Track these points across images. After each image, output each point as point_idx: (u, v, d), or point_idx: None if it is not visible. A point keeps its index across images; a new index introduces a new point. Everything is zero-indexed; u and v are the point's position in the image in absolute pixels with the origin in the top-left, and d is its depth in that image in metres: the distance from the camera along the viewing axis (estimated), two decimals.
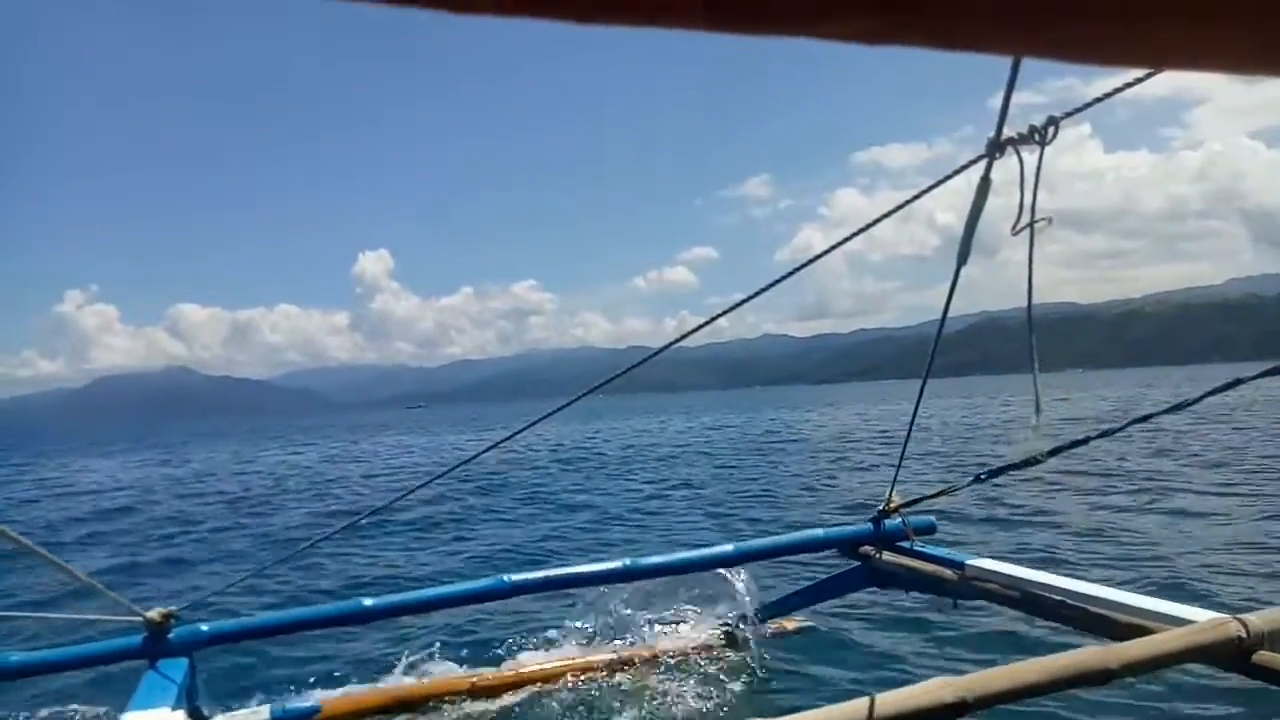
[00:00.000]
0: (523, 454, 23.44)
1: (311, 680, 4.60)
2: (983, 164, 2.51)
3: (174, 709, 2.76)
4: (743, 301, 2.93)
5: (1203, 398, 2.79)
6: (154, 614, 3.24)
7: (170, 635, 3.27)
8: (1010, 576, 3.48)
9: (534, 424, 3.29)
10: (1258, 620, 2.43)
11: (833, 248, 2.88)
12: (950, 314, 3.29)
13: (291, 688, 4.52)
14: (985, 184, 2.57)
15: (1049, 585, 3.34)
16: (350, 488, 18.53)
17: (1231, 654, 2.41)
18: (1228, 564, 6.65)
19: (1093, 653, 2.26)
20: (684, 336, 3.06)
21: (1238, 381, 2.68)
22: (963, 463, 15.39)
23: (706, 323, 3.06)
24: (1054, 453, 3.48)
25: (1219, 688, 3.86)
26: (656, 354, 3.16)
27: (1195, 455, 14.50)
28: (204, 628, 3.39)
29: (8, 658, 3.15)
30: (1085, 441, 3.37)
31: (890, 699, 1.98)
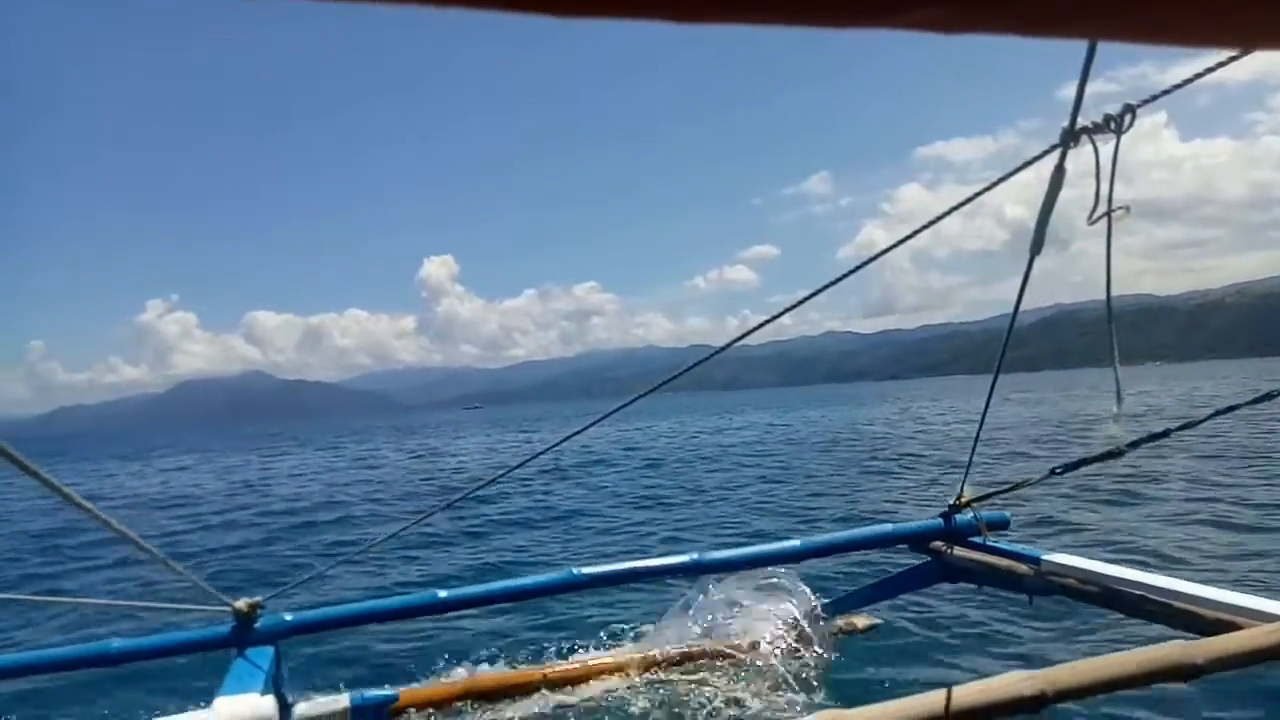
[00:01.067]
0: (589, 452, 23.66)
1: (388, 669, 4.74)
2: (1056, 154, 2.46)
3: (262, 694, 2.87)
4: (806, 299, 2.91)
5: None
6: (241, 604, 3.38)
7: (257, 624, 3.40)
8: (1089, 571, 3.39)
9: (598, 421, 3.33)
10: None
11: (897, 244, 2.84)
12: (1022, 307, 3.23)
13: (370, 674, 4.68)
14: (1059, 174, 2.51)
15: (1130, 580, 3.25)
16: (420, 485, 18.97)
17: None
18: None
19: (1180, 647, 2.20)
20: (747, 334, 3.06)
21: None
22: (1036, 458, 15.01)
23: (769, 320, 3.05)
24: (1135, 445, 3.38)
25: None
26: (719, 352, 3.17)
27: None
28: (288, 617, 3.52)
29: (109, 645, 3.32)
30: (1166, 434, 3.28)
31: (967, 691, 1.96)
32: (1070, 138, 2.41)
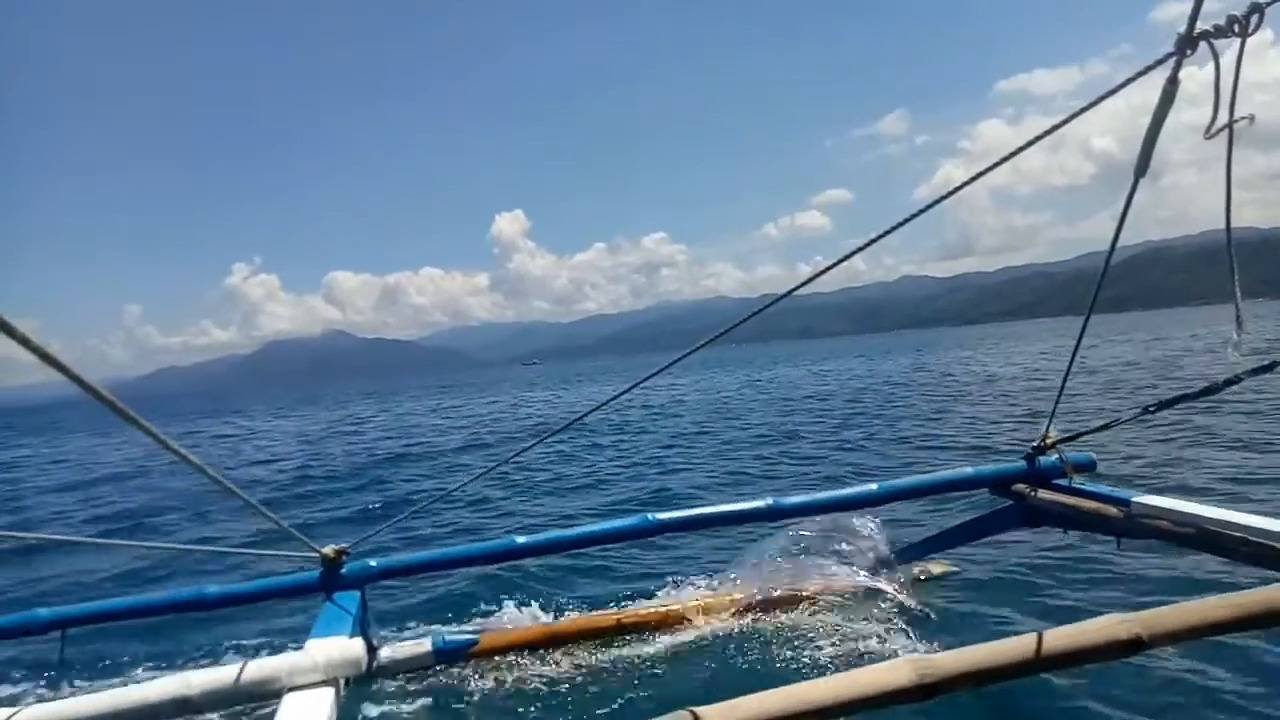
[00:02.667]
0: (665, 401, 23.84)
1: (469, 613, 4.88)
2: (1169, 65, 2.25)
3: (350, 636, 2.98)
4: (871, 241, 2.78)
5: None
6: (329, 550, 3.50)
7: (343, 570, 3.53)
8: (1183, 513, 3.25)
9: (661, 371, 3.31)
10: None
11: (971, 180, 2.67)
12: (1107, 246, 3.04)
13: (451, 617, 4.82)
14: (1173, 86, 2.28)
15: (1228, 521, 3.09)
16: (494, 436, 19.44)
17: None
18: None
19: None
20: (811, 279, 2.99)
21: None
22: (1123, 399, 14.48)
23: (834, 264, 2.94)
24: (1232, 380, 3.21)
25: None
26: (781, 299, 3.07)
27: None
28: (373, 563, 3.63)
29: (206, 590, 3.49)
30: (1272, 367, 3.09)
31: (1060, 634, 1.89)
32: (1188, 44, 2.17)
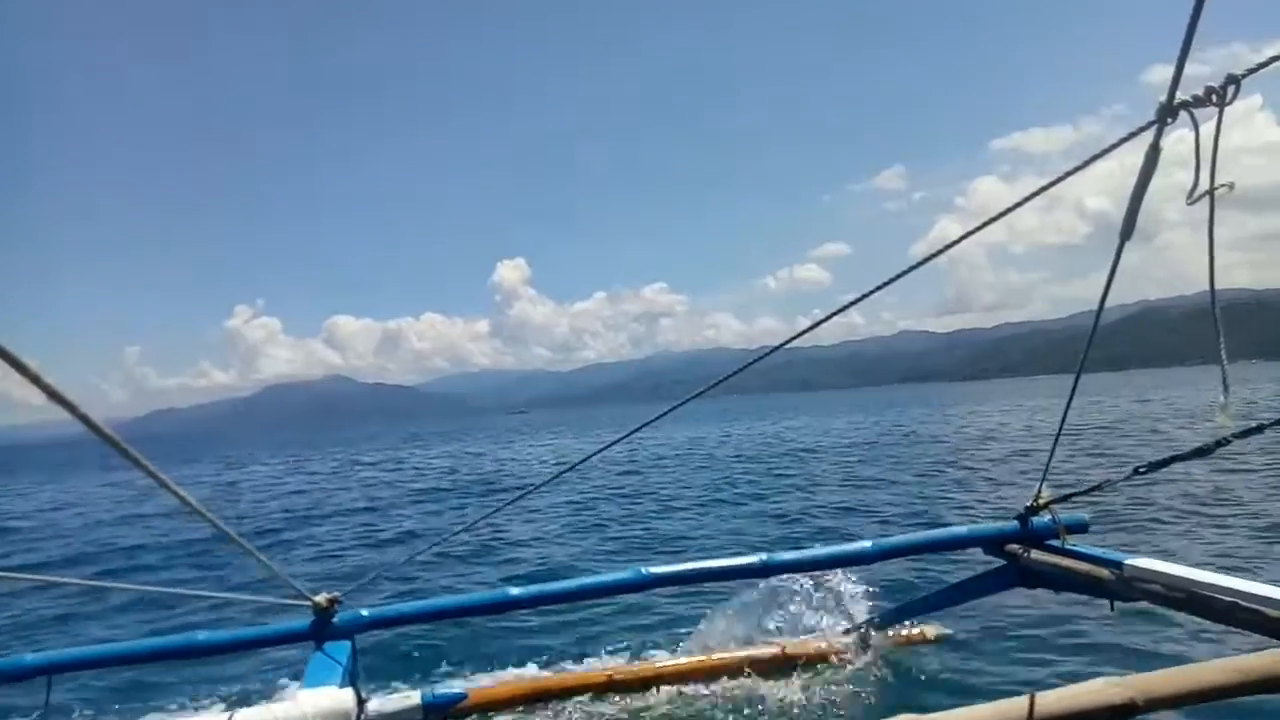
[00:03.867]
0: (655, 454, 23.74)
1: (459, 665, 4.83)
2: (1150, 133, 2.32)
3: (340, 687, 2.95)
4: (870, 293, 2.85)
5: None
6: (321, 599, 3.48)
7: (334, 619, 3.50)
8: (1175, 576, 3.24)
9: (651, 423, 3.33)
10: None
11: (966, 235, 2.75)
12: (1106, 305, 3.09)
13: (442, 670, 4.77)
14: (1155, 152, 2.36)
15: (1219, 585, 3.09)
16: (484, 484, 19.35)
17: None
18: None
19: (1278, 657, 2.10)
20: (806, 330, 3.02)
21: None
22: (1116, 460, 14.47)
23: (829, 316, 2.98)
24: (1223, 442, 3.22)
25: None
26: (775, 350, 3.13)
27: None
28: (364, 612, 3.61)
29: (195, 637, 3.46)
30: (1260, 429, 3.11)
31: (1052, 697, 1.89)
32: (1168, 113, 2.25)
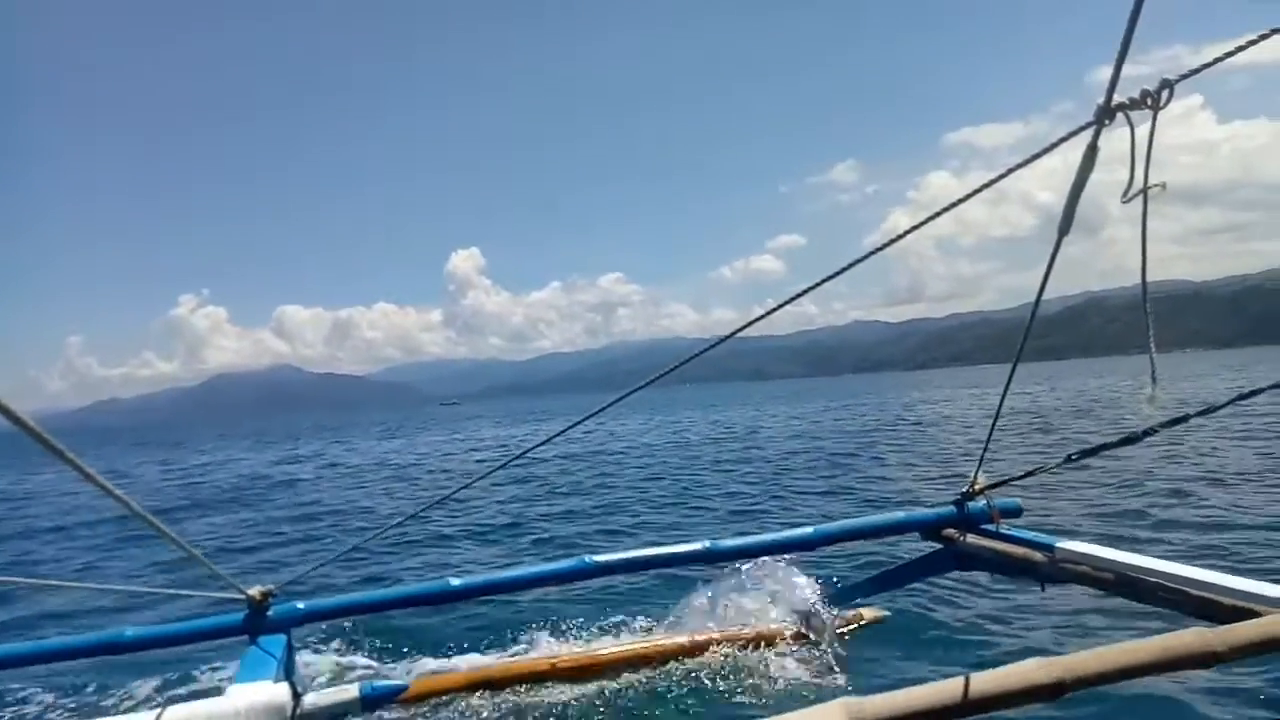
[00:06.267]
0: (607, 444, 23.76)
1: (401, 656, 4.78)
2: (1089, 133, 2.39)
3: (275, 682, 2.89)
4: (818, 284, 2.85)
5: None
6: (255, 591, 3.40)
7: (269, 612, 3.42)
8: (1103, 559, 3.33)
9: (602, 410, 3.31)
10: None
11: (914, 228, 2.77)
12: (1049, 295, 3.14)
13: (382, 663, 4.71)
14: (1092, 152, 2.43)
15: (1145, 568, 3.18)
16: (428, 476, 19.18)
17: None
18: None
19: (1199, 634, 2.16)
20: (754, 321, 3.03)
21: None
22: (1054, 445, 14.86)
23: (778, 307, 3.00)
24: (1149, 432, 3.32)
25: None
26: (724, 340, 3.13)
27: None
28: (300, 605, 3.53)
29: (123, 633, 3.36)
30: (1185, 419, 3.21)
31: (985, 679, 1.93)
32: (1105, 114, 2.32)
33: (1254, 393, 3.05)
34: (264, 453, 34.73)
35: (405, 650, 4.86)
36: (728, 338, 3.08)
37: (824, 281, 2.83)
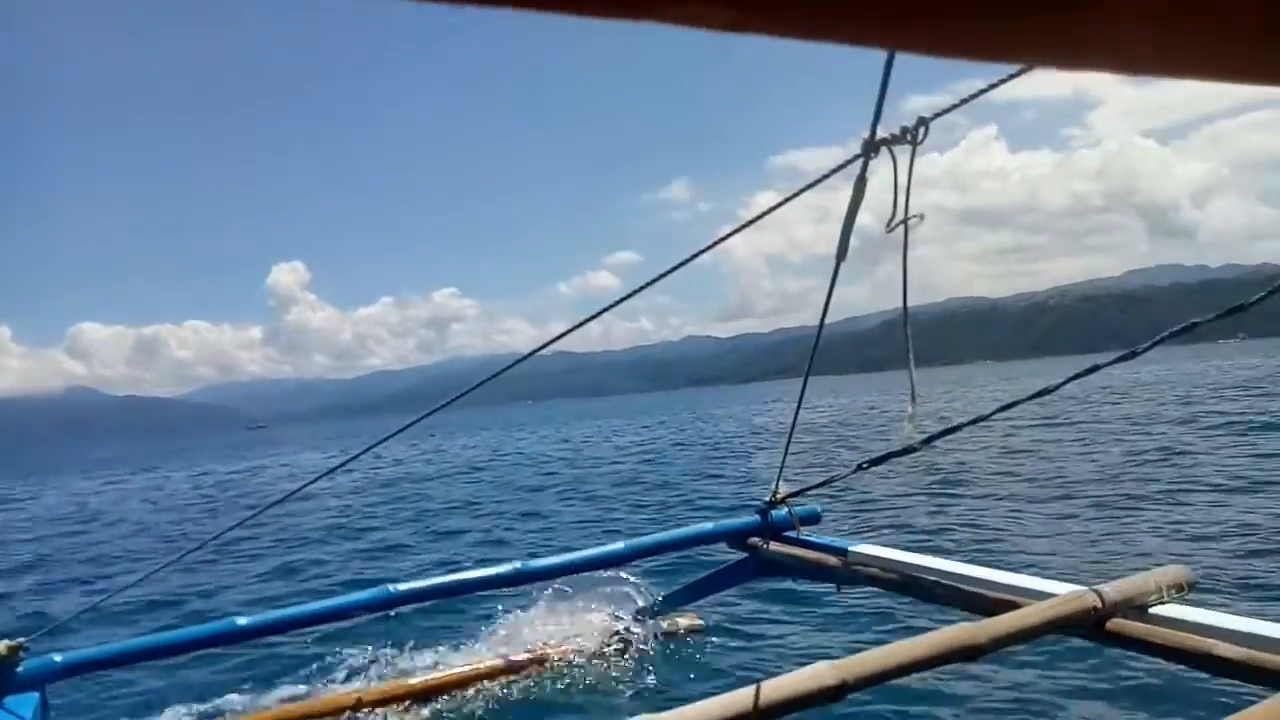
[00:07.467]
0: (432, 464, 23.10)
1: (179, 705, 4.37)
2: (859, 164, 2.56)
3: None
4: (627, 297, 2.95)
5: (1063, 384, 2.89)
6: (0, 646, 3.03)
7: (19, 668, 3.07)
8: (889, 560, 3.55)
9: (393, 436, 3.22)
10: (1111, 590, 2.53)
11: (714, 244, 2.94)
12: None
13: (154, 714, 4.30)
14: (861, 183, 2.63)
15: (925, 566, 3.41)
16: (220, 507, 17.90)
17: (1088, 623, 2.50)
18: (1091, 538, 7.01)
19: (963, 629, 2.32)
20: (550, 342, 3.08)
21: (1095, 368, 2.79)
22: (859, 454, 15.72)
23: (576, 327, 3.07)
24: (929, 440, 3.57)
25: (1080, 655, 4.03)
26: (530, 355, 3.13)
27: (1079, 438, 15.16)
28: (57, 658, 3.18)
29: None
30: (958, 428, 3.46)
31: (774, 685, 2.00)
32: (871, 148, 2.52)
33: (1015, 403, 3.33)
34: (37, 488, 31.15)
35: (186, 698, 4.45)
36: (530, 355, 3.11)
37: (629, 296, 2.91)
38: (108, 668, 3.49)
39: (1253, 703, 1.89)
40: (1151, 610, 2.50)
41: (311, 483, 3.35)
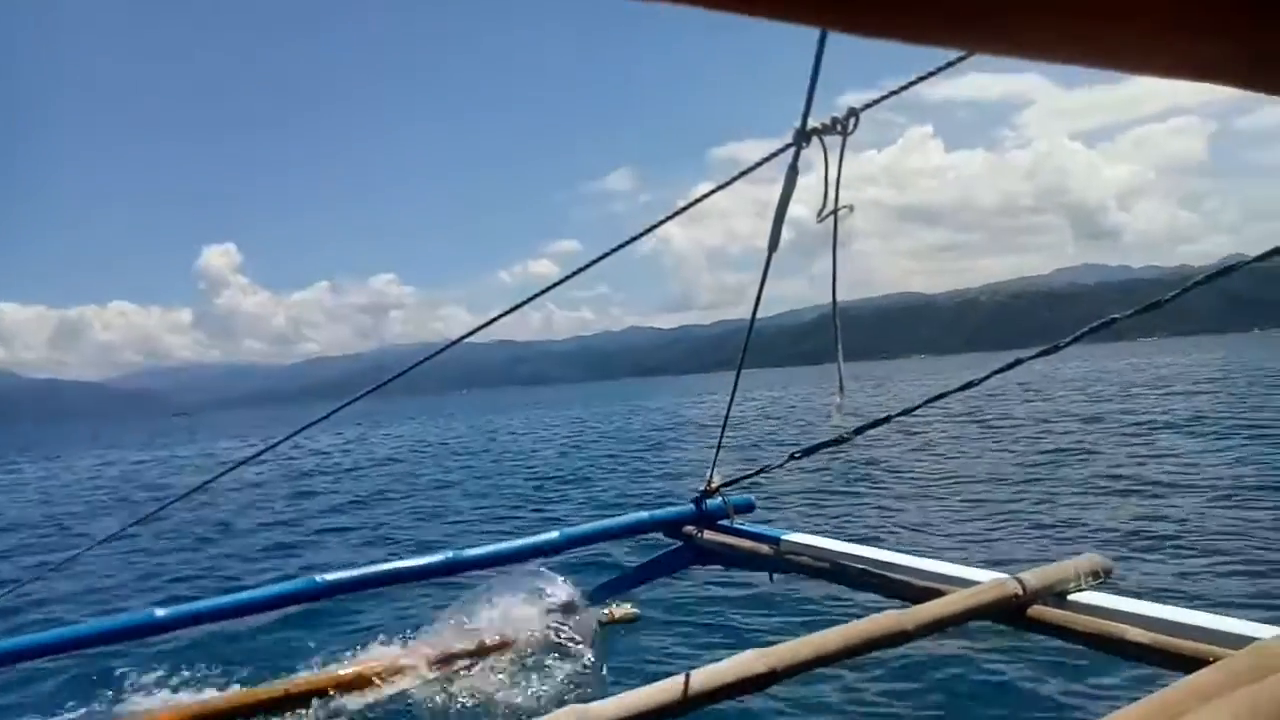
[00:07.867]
0: (349, 455, 22.70)
1: (94, 699, 4.21)
2: (790, 153, 2.56)
3: None
4: (555, 285, 2.93)
5: (987, 377, 2.96)
6: None
7: None
8: (821, 549, 3.59)
9: (298, 432, 3.15)
10: (1032, 578, 2.60)
11: (650, 229, 2.93)
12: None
13: (70, 706, 4.13)
14: (793, 173, 2.62)
15: (855, 555, 3.46)
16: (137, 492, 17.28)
17: (1010, 610, 2.56)
18: (1015, 525, 7.24)
19: (888, 617, 2.36)
20: (484, 325, 3.05)
21: (1018, 362, 2.86)
22: (793, 444, 15.90)
23: (511, 310, 3.05)
24: (859, 431, 3.62)
25: (1002, 639, 4.15)
26: (456, 342, 3.09)
27: (1004, 431, 15.64)
28: None
29: None
30: (887, 420, 3.52)
31: (703, 674, 2.01)
32: (802, 138, 2.51)
33: (942, 395, 3.39)
34: None
35: (102, 692, 4.28)
36: (456, 342, 3.09)
37: (560, 283, 2.91)
38: (11, 663, 3.32)
39: (1163, 686, 1.96)
40: (1070, 597, 2.57)
41: (214, 479, 3.24)
